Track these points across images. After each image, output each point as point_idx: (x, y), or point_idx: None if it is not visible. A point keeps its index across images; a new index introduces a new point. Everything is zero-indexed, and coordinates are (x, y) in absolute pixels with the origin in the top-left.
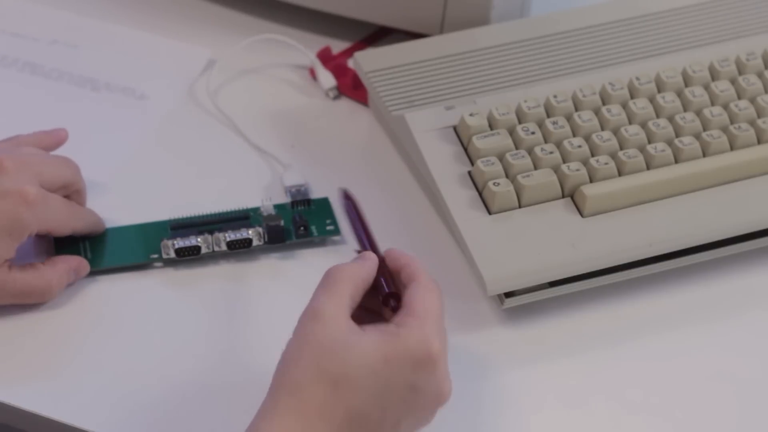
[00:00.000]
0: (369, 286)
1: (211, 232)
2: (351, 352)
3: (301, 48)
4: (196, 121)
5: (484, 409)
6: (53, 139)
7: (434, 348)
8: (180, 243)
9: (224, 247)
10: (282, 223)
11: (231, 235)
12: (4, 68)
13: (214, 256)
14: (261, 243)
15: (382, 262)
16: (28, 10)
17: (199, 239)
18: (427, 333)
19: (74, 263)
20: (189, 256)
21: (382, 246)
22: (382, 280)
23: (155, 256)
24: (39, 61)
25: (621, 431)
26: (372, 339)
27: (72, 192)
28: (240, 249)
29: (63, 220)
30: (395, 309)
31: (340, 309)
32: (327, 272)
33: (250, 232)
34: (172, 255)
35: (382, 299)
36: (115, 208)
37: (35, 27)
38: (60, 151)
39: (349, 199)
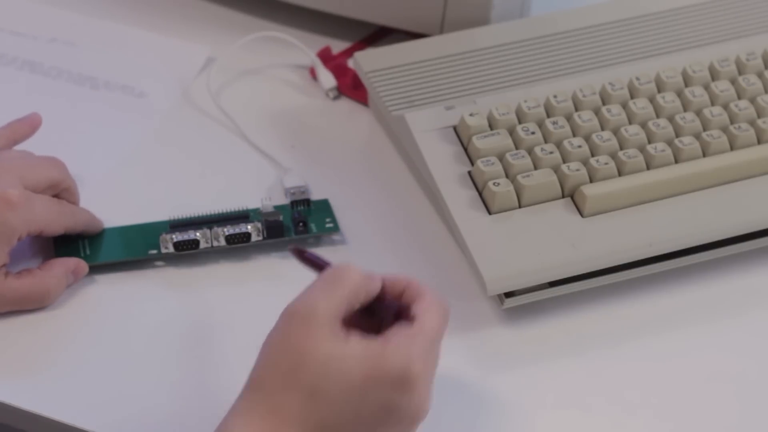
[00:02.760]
0: (369, 301)
1: (210, 227)
2: (331, 365)
3: (301, 46)
4: (196, 120)
5: (484, 409)
6: (28, 126)
7: (414, 368)
8: (178, 237)
9: (223, 242)
10: (281, 218)
11: (230, 230)
12: (2, 66)
13: (213, 256)
14: (260, 238)
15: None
16: (27, 8)
17: (197, 233)
18: (412, 352)
19: (72, 265)
20: (187, 250)
21: (380, 249)
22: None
23: (154, 251)
24: (38, 59)
25: (621, 431)
26: (355, 354)
27: (61, 191)
28: (239, 244)
29: (53, 219)
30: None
31: (333, 314)
32: (335, 269)
33: (249, 226)
34: (171, 249)
35: (386, 313)
36: (114, 207)
37: (34, 25)
38: (57, 151)
39: (299, 252)
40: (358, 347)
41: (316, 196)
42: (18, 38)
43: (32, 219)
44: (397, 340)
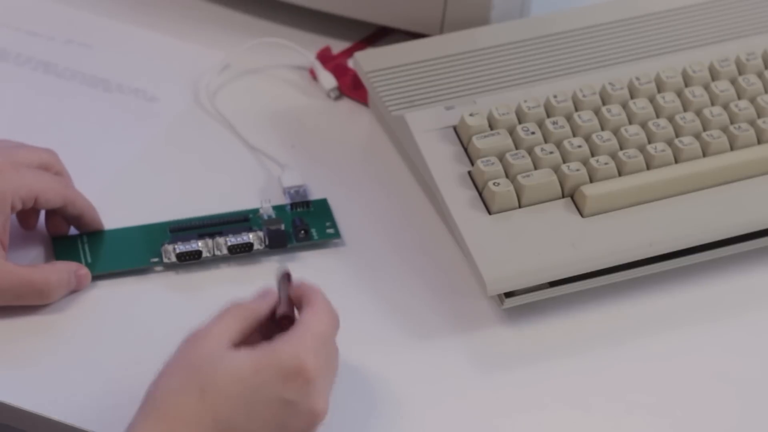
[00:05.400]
0: (261, 321)
1: (212, 237)
2: (220, 363)
3: (301, 51)
4: (201, 124)
5: (483, 409)
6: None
7: (308, 363)
8: (181, 247)
9: (225, 252)
10: (283, 227)
11: (232, 240)
12: (17, 66)
13: (214, 260)
14: (262, 247)
15: (289, 298)
16: (45, 9)
17: (199, 243)
18: (302, 348)
19: (74, 266)
20: (190, 260)
21: (380, 249)
22: (280, 302)
23: (156, 259)
24: (53, 60)
25: (621, 431)
26: (244, 353)
27: (53, 174)
28: (241, 253)
29: (47, 186)
30: (286, 329)
31: (221, 335)
32: (224, 305)
33: (251, 236)
34: (173, 259)
35: (276, 321)
36: (116, 209)
37: (51, 26)
38: (64, 151)
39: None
40: (247, 350)
41: (315, 196)
42: (35, 38)
43: (23, 183)
44: (287, 338)
